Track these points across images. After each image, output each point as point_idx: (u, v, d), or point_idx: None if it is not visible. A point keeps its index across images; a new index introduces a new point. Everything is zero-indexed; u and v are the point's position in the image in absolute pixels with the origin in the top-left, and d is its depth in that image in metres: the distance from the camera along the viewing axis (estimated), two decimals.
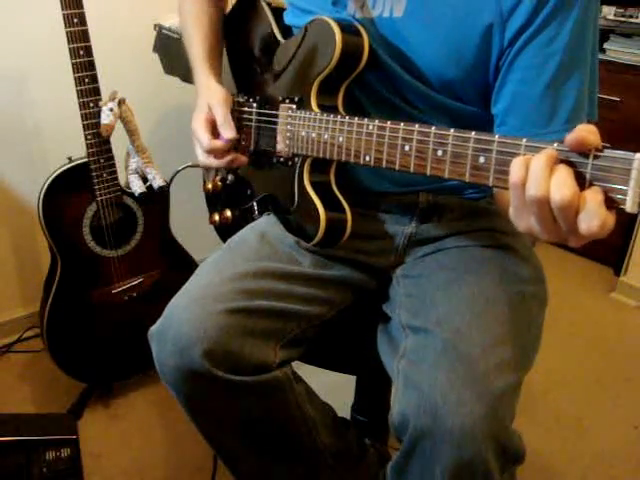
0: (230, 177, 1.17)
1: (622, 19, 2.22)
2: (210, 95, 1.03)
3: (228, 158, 1.01)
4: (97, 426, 1.57)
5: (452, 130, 0.69)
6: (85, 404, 1.61)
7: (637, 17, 2.19)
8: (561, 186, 0.56)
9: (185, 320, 0.88)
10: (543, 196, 0.58)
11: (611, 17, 2.23)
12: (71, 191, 1.42)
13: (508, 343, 0.82)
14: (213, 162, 1.02)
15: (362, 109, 0.94)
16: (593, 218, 0.55)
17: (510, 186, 0.61)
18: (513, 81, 0.82)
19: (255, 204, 1.10)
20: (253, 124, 1.04)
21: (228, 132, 0.99)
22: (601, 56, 2.22)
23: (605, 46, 2.24)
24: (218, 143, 1.00)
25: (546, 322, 0.94)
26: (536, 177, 0.58)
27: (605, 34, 2.25)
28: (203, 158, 1.03)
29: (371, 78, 0.92)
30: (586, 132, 0.56)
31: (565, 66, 0.79)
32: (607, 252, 2.32)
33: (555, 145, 0.59)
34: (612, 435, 1.60)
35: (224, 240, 1.17)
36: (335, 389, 1.20)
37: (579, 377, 1.81)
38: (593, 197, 0.55)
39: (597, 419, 1.65)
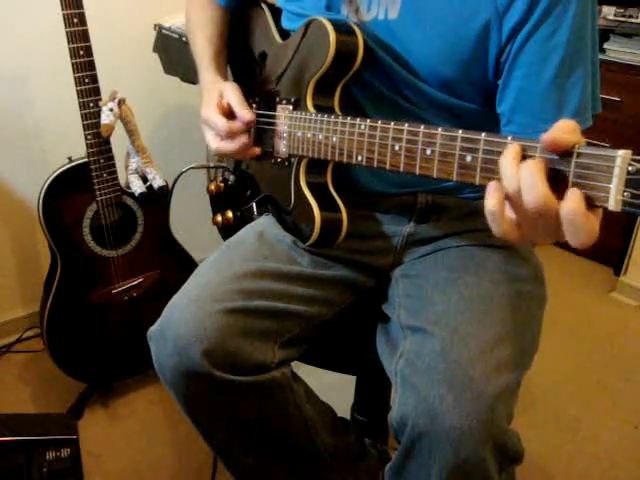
0: (232, 178, 1.17)
1: (622, 19, 2.21)
2: (221, 85, 1.03)
3: (242, 140, 0.99)
4: (97, 426, 1.57)
5: (440, 129, 0.68)
6: (85, 404, 1.62)
7: (637, 17, 2.18)
8: (530, 190, 0.56)
9: (184, 320, 0.88)
10: (515, 191, 0.57)
11: (611, 17, 2.23)
12: (71, 191, 1.42)
13: (506, 343, 0.82)
14: (227, 146, 0.99)
15: (361, 108, 0.94)
16: (579, 232, 0.54)
17: (486, 214, 0.61)
18: (517, 78, 0.82)
19: (254, 204, 1.11)
20: (253, 125, 1.04)
21: (246, 113, 0.97)
22: (601, 56, 2.22)
23: (605, 46, 2.24)
24: (235, 124, 0.98)
25: (546, 322, 0.94)
26: (505, 175, 0.58)
27: (605, 34, 2.25)
28: (217, 144, 1.00)
29: (369, 77, 0.92)
30: (561, 131, 0.56)
31: (568, 60, 0.79)
32: (607, 252, 2.32)
33: (539, 144, 0.58)
34: (612, 435, 1.60)
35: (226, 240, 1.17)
36: (335, 389, 1.20)
37: (579, 377, 1.81)
38: (573, 208, 0.54)
39: (597, 419, 1.65)
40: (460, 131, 0.66)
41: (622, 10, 2.20)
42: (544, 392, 1.70)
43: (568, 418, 1.65)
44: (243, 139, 0.99)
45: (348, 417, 1.32)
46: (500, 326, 0.84)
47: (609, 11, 2.23)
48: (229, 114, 1.00)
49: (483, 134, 0.64)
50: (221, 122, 0.97)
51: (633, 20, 2.19)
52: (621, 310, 2.18)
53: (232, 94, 1.00)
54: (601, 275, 2.36)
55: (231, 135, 0.98)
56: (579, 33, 0.80)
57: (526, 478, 0.90)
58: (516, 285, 0.91)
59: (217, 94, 1.01)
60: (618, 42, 2.23)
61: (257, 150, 1.02)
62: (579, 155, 0.55)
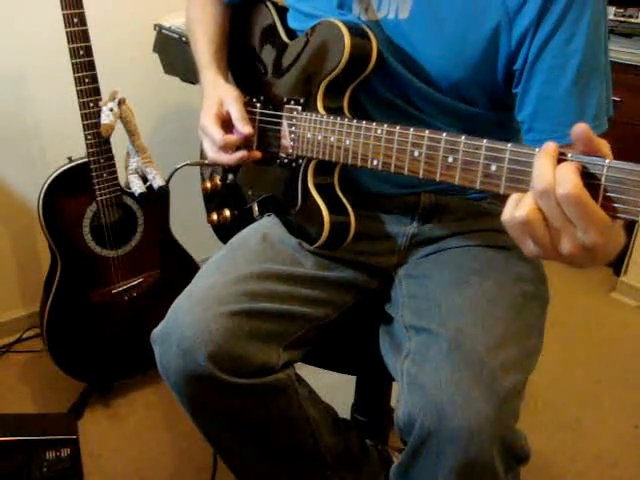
0: (230, 177, 1.16)
1: (622, 19, 2.21)
2: (222, 92, 1.02)
3: (239, 155, 0.98)
4: (97, 426, 1.57)
5: (463, 137, 0.68)
6: (85, 404, 1.61)
7: (637, 17, 2.18)
8: (562, 181, 0.56)
9: (189, 323, 0.88)
10: (549, 185, 0.57)
11: (611, 17, 2.23)
12: (71, 191, 1.42)
13: (512, 343, 0.83)
14: (223, 158, 0.99)
15: (366, 112, 0.94)
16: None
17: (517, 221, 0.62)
18: (536, 85, 0.82)
19: (256, 205, 1.10)
20: (257, 125, 1.03)
21: (246, 127, 0.97)
22: None
23: None
24: (232, 138, 0.98)
25: (546, 322, 0.94)
26: (541, 172, 0.58)
27: None
28: (213, 155, 1.00)
29: (375, 81, 0.92)
30: (598, 141, 0.57)
31: (586, 64, 0.79)
32: None
33: (570, 155, 0.58)
34: (612, 435, 1.60)
35: (221, 239, 1.16)
36: (335, 389, 1.20)
37: (579, 377, 1.81)
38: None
39: (597, 419, 1.65)
40: (485, 140, 0.66)
41: (622, 10, 2.20)
42: (544, 392, 1.70)
43: (568, 418, 1.65)
44: (240, 153, 0.98)
45: (348, 417, 1.32)
46: (505, 327, 0.84)
47: (609, 11, 2.23)
48: (228, 123, 0.99)
49: (509, 144, 0.64)
50: (218, 135, 0.97)
51: (633, 20, 2.19)
52: (621, 310, 2.18)
53: (233, 106, 0.99)
54: (601, 275, 2.36)
55: (228, 148, 0.98)
56: (595, 38, 0.79)
57: (526, 478, 0.91)
58: (520, 286, 0.92)
59: (217, 102, 1.00)
60: (618, 42, 2.23)
61: (257, 154, 1.01)
62: (610, 169, 0.56)
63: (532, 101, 0.83)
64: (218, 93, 1.02)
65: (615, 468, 1.51)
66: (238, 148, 1.00)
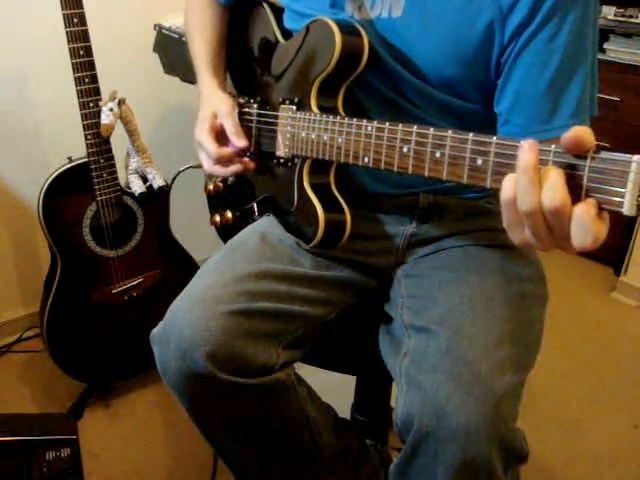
0: (231, 178, 1.17)
1: (622, 19, 2.22)
2: (216, 104, 1.02)
3: (234, 168, 0.99)
4: (97, 426, 1.57)
5: (450, 131, 0.68)
6: (85, 404, 1.61)
7: (637, 17, 2.19)
8: (550, 190, 0.56)
9: (188, 322, 0.88)
10: (535, 207, 0.57)
11: (611, 17, 2.23)
12: (71, 191, 1.42)
13: (510, 342, 0.83)
14: (219, 171, 1.00)
15: (362, 109, 0.94)
16: (586, 234, 0.54)
17: (502, 203, 0.61)
18: (516, 79, 0.82)
19: (255, 205, 1.10)
20: (254, 125, 1.04)
21: (241, 141, 0.97)
22: (601, 56, 2.22)
23: (605, 46, 2.24)
24: (226, 151, 0.98)
25: (546, 322, 0.94)
26: (525, 188, 0.58)
27: (605, 34, 2.25)
28: (209, 166, 1.01)
29: (371, 77, 0.92)
30: (582, 132, 0.55)
31: (568, 62, 0.79)
32: (607, 252, 2.32)
33: (553, 147, 0.58)
34: (612, 435, 1.60)
35: (225, 241, 1.17)
36: (335, 389, 1.19)
37: (579, 377, 1.81)
38: (586, 210, 0.54)
39: (597, 419, 1.65)
40: (471, 134, 0.66)
41: (622, 10, 2.21)
42: (544, 392, 1.70)
43: (568, 418, 1.65)
44: (235, 167, 0.99)
45: (348, 417, 1.32)
46: (503, 326, 0.84)
47: (609, 11, 2.23)
48: (223, 135, 0.99)
49: (494, 137, 0.64)
50: (213, 149, 0.97)
51: (633, 20, 2.19)
52: (621, 310, 2.18)
53: (227, 119, 0.99)
54: (601, 275, 2.36)
55: (222, 161, 0.99)
56: (580, 36, 0.79)
57: (526, 478, 0.91)
58: (519, 285, 0.92)
59: (210, 114, 1.00)
60: (618, 42, 2.23)
61: (251, 165, 1.01)
62: (593, 159, 0.55)
63: (510, 95, 0.83)
64: (212, 104, 1.02)
65: (615, 468, 1.51)
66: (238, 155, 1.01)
